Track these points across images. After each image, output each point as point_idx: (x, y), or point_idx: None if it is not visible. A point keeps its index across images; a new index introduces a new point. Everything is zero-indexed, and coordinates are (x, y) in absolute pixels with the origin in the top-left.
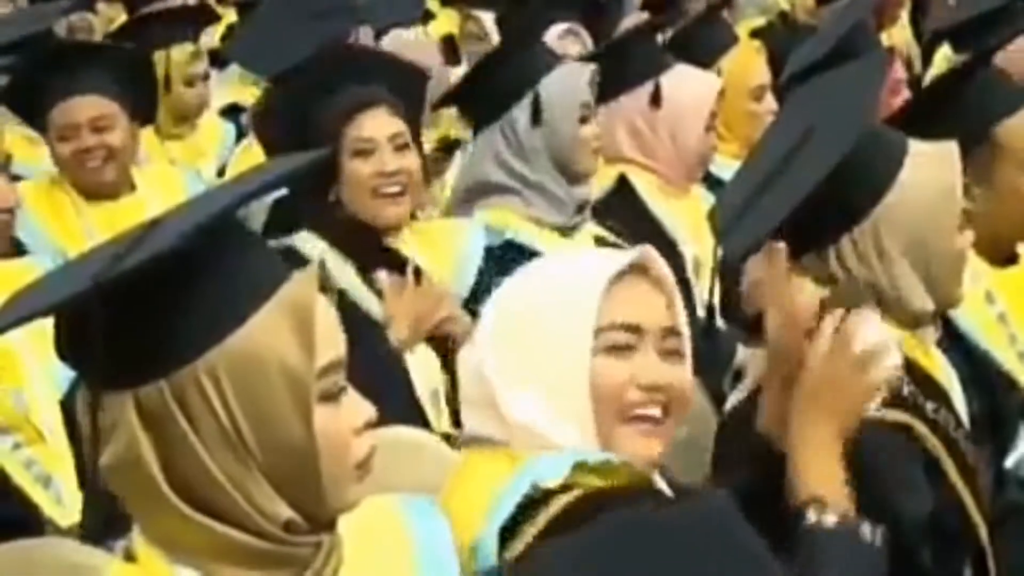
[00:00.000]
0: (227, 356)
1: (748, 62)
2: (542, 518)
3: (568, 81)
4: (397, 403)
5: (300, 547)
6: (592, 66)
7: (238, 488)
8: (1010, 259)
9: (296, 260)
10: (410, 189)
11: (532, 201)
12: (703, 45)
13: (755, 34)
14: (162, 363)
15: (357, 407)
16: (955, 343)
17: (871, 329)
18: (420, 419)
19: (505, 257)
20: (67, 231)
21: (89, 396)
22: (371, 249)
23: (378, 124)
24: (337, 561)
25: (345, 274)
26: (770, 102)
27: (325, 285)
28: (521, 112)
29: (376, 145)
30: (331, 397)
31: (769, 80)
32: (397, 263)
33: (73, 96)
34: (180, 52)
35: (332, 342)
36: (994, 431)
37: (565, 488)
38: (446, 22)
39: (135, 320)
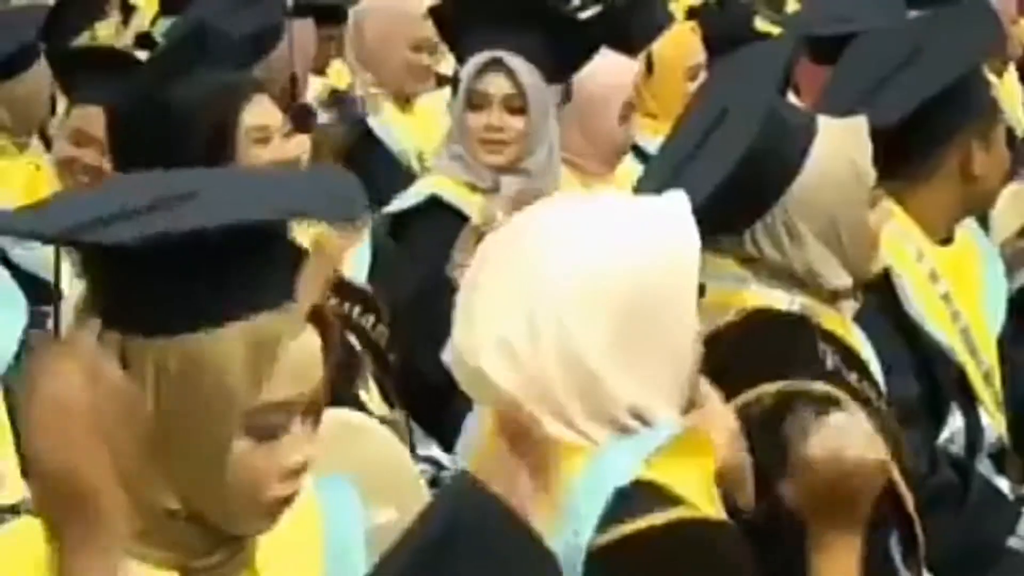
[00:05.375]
0: (176, 350)
1: (683, 41)
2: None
3: (470, 65)
4: None
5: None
6: (487, 54)
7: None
8: (947, 239)
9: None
10: None
11: (457, 166)
12: (637, 26)
13: (691, 14)
14: (144, 325)
15: (294, 448)
16: (899, 321)
17: (852, 435)
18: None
19: (429, 212)
20: None
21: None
22: None
23: None
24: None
25: None
26: None
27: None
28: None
29: None
30: (264, 435)
31: (704, 59)
32: None
33: (98, 106)
34: (106, 27)
35: (295, 380)
36: (932, 409)
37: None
38: None
39: (129, 274)
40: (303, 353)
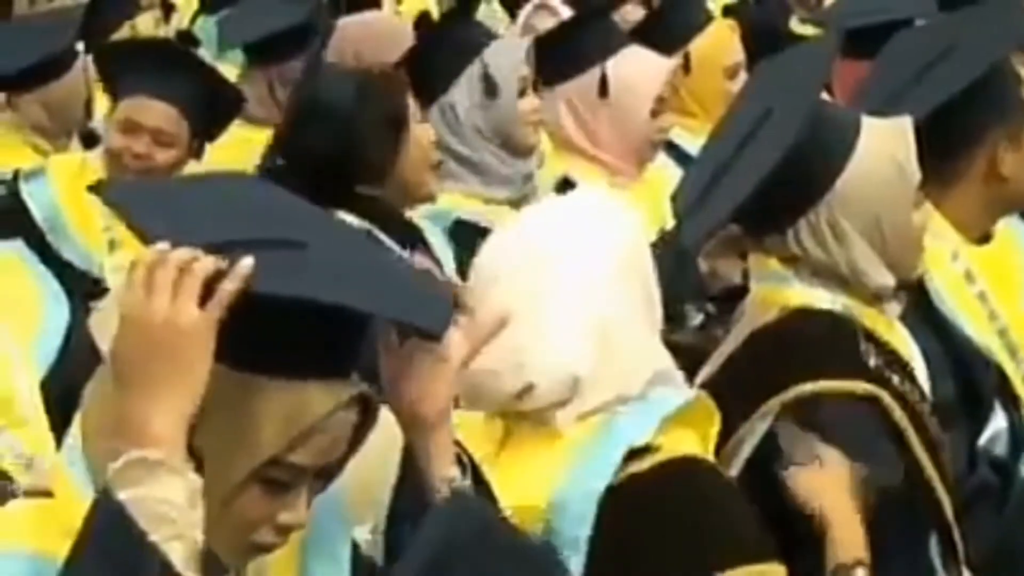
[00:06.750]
0: (231, 381)
1: (722, 40)
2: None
3: (509, 54)
4: None
5: None
6: (526, 40)
7: None
8: (985, 237)
9: None
10: None
11: (479, 180)
12: (676, 24)
13: (728, 12)
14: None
15: (295, 506)
16: (932, 322)
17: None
18: None
19: (458, 236)
20: (83, 215)
21: None
22: None
23: None
24: None
25: None
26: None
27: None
28: (460, 91)
29: None
30: (273, 486)
31: (743, 58)
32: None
33: (147, 96)
34: (144, 23)
35: (319, 452)
36: (970, 410)
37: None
38: None
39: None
40: (333, 432)
